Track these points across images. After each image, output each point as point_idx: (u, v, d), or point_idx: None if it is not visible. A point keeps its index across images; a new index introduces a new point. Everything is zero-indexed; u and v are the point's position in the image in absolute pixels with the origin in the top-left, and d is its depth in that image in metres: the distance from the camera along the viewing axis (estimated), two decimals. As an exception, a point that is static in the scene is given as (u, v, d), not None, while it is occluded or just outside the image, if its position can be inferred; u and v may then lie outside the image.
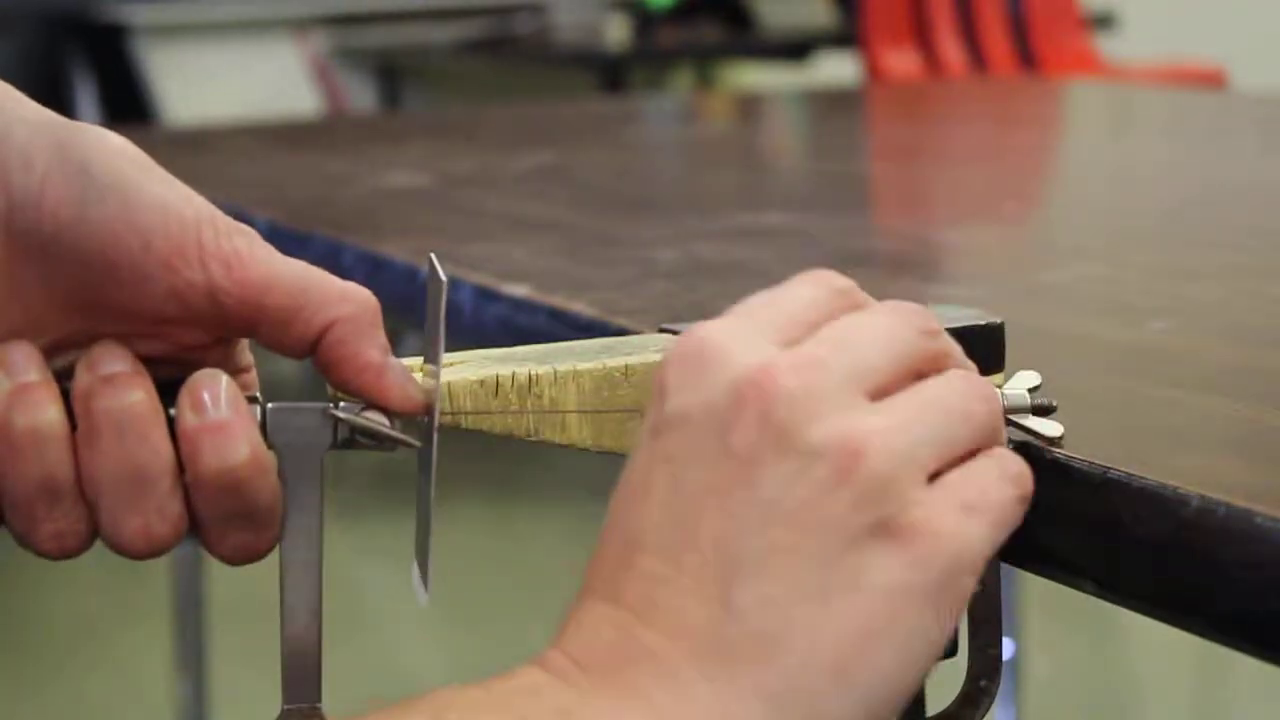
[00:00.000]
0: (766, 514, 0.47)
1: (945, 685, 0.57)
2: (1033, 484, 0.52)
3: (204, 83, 4.99)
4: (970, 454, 0.50)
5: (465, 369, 0.57)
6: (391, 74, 5.23)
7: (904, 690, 0.48)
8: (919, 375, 0.51)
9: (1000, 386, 0.56)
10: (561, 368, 0.57)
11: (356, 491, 3.27)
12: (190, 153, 1.54)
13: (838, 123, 1.88)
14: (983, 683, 0.55)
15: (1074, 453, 0.55)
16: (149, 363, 0.54)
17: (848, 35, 4.50)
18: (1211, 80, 4.10)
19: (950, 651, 0.52)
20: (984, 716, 0.55)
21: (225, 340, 0.57)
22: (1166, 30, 5.07)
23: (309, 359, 0.55)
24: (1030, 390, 0.56)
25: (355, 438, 0.55)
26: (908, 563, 0.47)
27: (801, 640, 0.47)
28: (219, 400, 0.53)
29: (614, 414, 0.57)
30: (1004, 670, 0.55)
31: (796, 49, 4.85)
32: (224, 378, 0.54)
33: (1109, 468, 0.54)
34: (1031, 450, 0.55)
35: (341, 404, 0.55)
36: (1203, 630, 0.52)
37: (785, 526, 0.47)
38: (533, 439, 0.56)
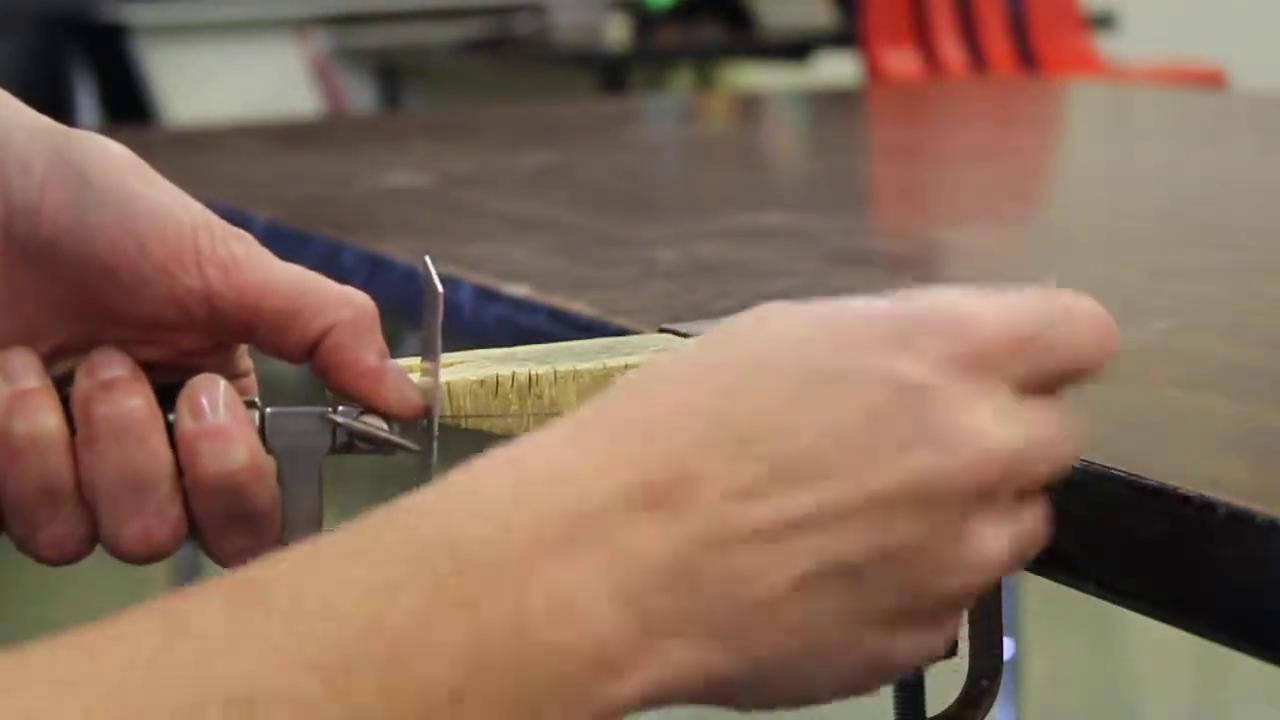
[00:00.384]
0: (884, 550, 0.45)
1: (946, 686, 0.57)
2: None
3: (204, 83, 4.99)
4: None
5: (465, 369, 0.57)
6: (391, 74, 5.23)
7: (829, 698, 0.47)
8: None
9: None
10: (561, 368, 0.57)
11: (357, 494, 3.27)
12: (190, 153, 1.54)
13: (838, 123, 1.88)
14: (984, 683, 0.55)
15: (1074, 453, 0.55)
16: (148, 368, 0.54)
17: (848, 35, 4.50)
18: (1211, 80, 4.10)
19: (950, 652, 0.52)
20: (985, 717, 0.55)
21: (224, 345, 0.57)
22: (1166, 30, 5.07)
23: (307, 363, 0.55)
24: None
25: (354, 442, 0.55)
26: (932, 645, 0.47)
27: (813, 643, 0.46)
28: (217, 405, 0.53)
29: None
30: (1004, 670, 0.55)
31: (796, 49, 4.85)
32: (222, 383, 0.54)
33: (1109, 468, 0.54)
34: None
35: (340, 408, 0.55)
36: (1203, 630, 0.52)
37: (884, 569, 0.45)
38: (533, 439, 0.56)
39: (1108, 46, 4.57)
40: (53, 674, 0.39)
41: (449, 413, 0.56)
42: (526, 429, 0.56)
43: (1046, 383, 0.48)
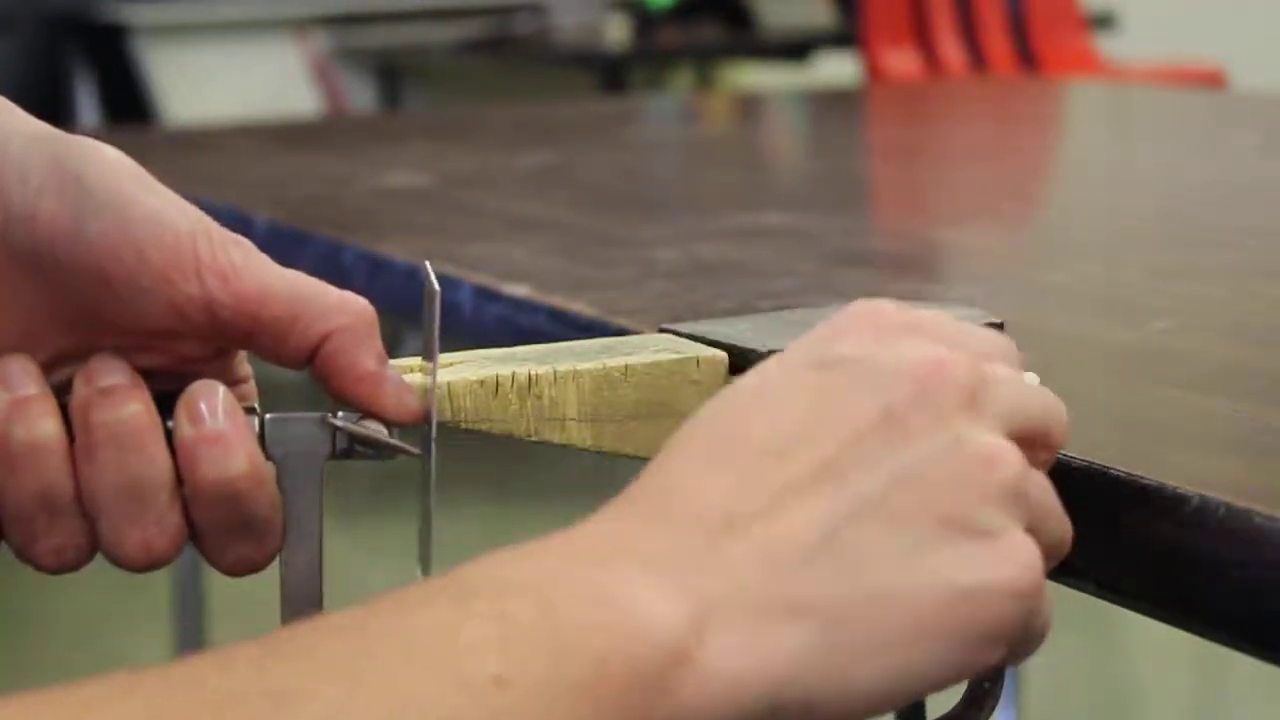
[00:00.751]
0: (897, 474, 0.47)
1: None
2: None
3: (204, 83, 4.99)
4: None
5: (465, 369, 0.57)
6: (391, 74, 5.23)
7: (912, 696, 0.47)
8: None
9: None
10: (561, 368, 0.57)
11: (357, 496, 3.27)
12: (190, 153, 1.54)
13: (838, 123, 1.88)
14: (986, 684, 0.55)
15: (1074, 453, 0.55)
16: (147, 375, 0.54)
17: (848, 35, 4.50)
18: (1211, 80, 4.10)
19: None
20: (988, 718, 0.55)
21: (223, 351, 0.57)
22: (1166, 30, 5.07)
23: (306, 369, 0.55)
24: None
25: (354, 447, 0.55)
26: (994, 565, 0.47)
27: (870, 584, 0.46)
28: (216, 411, 0.53)
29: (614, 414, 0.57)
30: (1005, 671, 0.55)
31: (796, 49, 4.85)
32: (221, 389, 0.54)
33: (1109, 468, 0.54)
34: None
35: (340, 413, 0.55)
36: (1203, 630, 0.52)
37: (908, 492, 0.47)
38: (533, 439, 0.56)
39: (1108, 46, 4.57)
40: None
41: (449, 414, 0.56)
42: (526, 429, 0.56)
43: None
